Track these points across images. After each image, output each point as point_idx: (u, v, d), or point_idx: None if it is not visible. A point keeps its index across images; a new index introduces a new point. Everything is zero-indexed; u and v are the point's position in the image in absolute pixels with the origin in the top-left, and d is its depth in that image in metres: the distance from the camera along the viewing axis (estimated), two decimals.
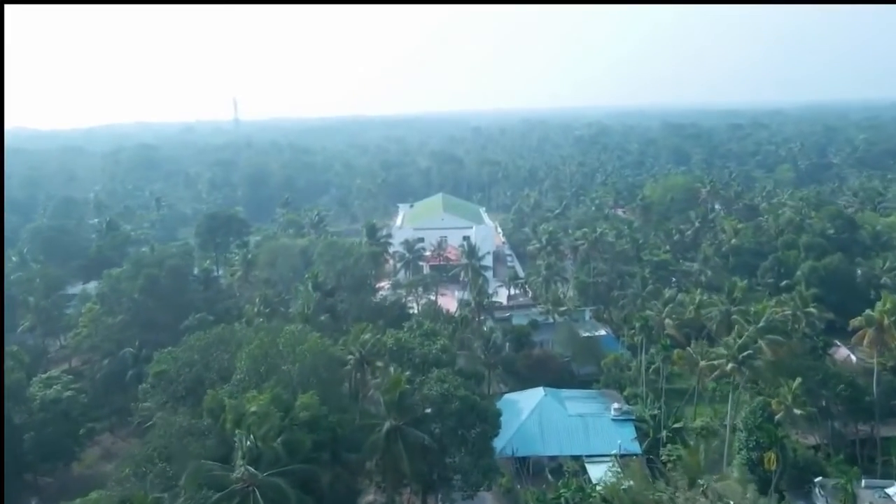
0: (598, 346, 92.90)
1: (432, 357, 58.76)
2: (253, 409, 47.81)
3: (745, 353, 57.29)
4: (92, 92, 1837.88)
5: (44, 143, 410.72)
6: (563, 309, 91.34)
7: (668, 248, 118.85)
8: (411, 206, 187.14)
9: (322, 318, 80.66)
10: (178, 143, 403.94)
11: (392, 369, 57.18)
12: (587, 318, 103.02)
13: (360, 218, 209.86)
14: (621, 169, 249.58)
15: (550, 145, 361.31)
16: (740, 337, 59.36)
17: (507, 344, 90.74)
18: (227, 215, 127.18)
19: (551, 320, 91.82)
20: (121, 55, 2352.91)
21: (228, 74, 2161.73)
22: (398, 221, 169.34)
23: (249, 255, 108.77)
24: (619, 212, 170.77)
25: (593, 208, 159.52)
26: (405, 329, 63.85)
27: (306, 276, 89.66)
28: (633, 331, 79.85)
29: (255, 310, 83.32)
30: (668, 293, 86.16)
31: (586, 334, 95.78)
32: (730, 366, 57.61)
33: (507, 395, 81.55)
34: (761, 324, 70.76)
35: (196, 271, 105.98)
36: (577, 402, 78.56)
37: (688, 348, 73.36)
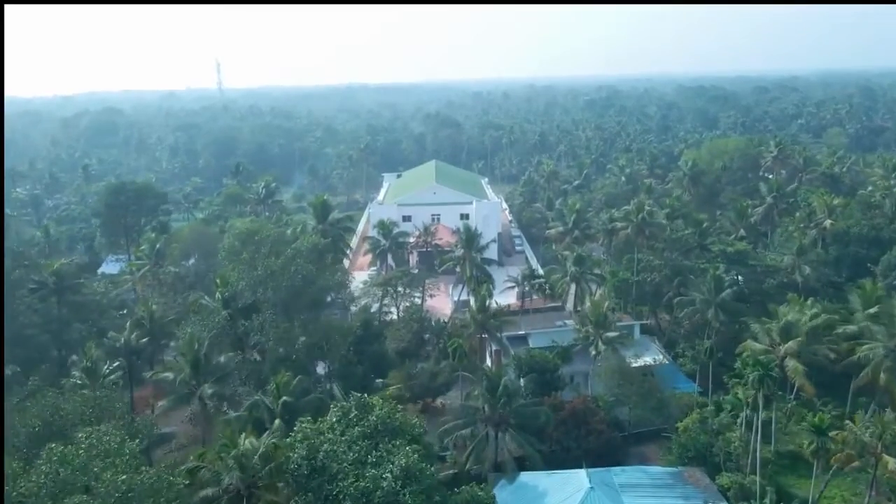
0: (660, 387, 61.92)
1: (383, 496, 27.19)
2: None
3: None
4: (81, 60, 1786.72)
5: (12, 110, 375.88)
6: (612, 335, 59.12)
7: (742, 233, 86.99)
8: (399, 175, 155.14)
9: (222, 358, 49.51)
10: (153, 110, 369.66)
11: None
12: (637, 334, 71.65)
13: (340, 190, 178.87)
14: (643, 134, 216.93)
15: (559, 110, 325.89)
16: None
17: (523, 382, 59.99)
18: (138, 187, 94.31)
19: (594, 352, 59.75)
20: (112, 21, 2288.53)
21: (220, 42, 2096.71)
22: (381, 195, 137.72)
23: (158, 245, 77.13)
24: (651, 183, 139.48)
25: (623, 178, 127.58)
26: (334, 417, 31.81)
27: (216, 282, 58.21)
28: (738, 381, 48.25)
29: (123, 340, 52.07)
30: (786, 313, 54.23)
31: (639, 363, 64.58)
32: None
33: (524, 476, 50.55)
34: None
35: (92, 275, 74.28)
36: (642, 499, 47.79)
37: (849, 424, 41.99)
